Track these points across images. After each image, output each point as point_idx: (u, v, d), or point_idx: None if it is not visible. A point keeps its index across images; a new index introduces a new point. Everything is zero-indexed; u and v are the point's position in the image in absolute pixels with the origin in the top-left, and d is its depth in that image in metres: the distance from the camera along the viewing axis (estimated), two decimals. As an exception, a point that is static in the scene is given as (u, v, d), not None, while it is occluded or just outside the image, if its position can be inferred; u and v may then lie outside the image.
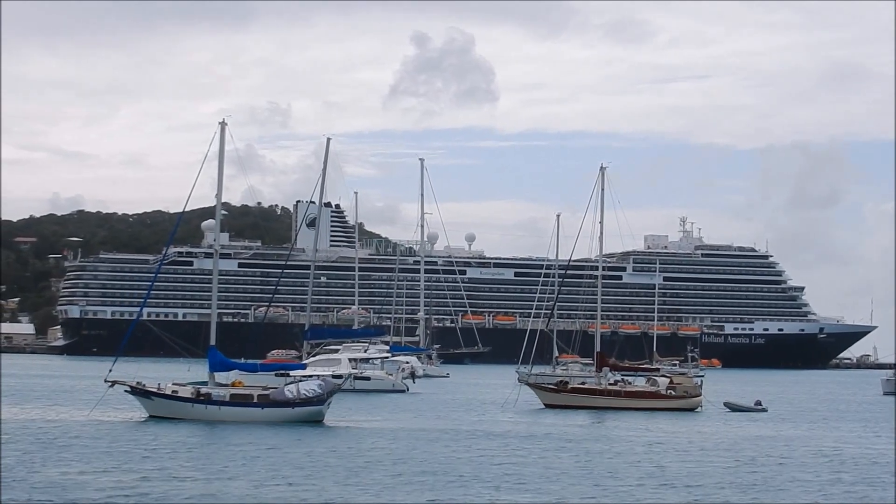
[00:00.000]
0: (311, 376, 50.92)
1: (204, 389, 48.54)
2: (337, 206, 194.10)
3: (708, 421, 57.61)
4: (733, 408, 66.89)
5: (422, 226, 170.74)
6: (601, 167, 69.72)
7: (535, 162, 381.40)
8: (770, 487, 32.26)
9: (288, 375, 51.61)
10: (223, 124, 51.44)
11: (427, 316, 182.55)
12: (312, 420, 47.70)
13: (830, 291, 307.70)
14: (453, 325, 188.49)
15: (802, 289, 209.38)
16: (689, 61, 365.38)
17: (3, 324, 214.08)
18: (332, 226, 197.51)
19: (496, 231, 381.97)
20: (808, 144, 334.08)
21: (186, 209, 58.21)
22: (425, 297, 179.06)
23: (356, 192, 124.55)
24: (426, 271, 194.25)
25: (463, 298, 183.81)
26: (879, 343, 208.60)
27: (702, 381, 69.21)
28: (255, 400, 47.95)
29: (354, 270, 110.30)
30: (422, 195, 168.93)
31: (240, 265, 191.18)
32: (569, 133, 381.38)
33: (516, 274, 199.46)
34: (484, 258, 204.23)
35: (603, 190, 68.95)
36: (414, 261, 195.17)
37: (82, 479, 29.93)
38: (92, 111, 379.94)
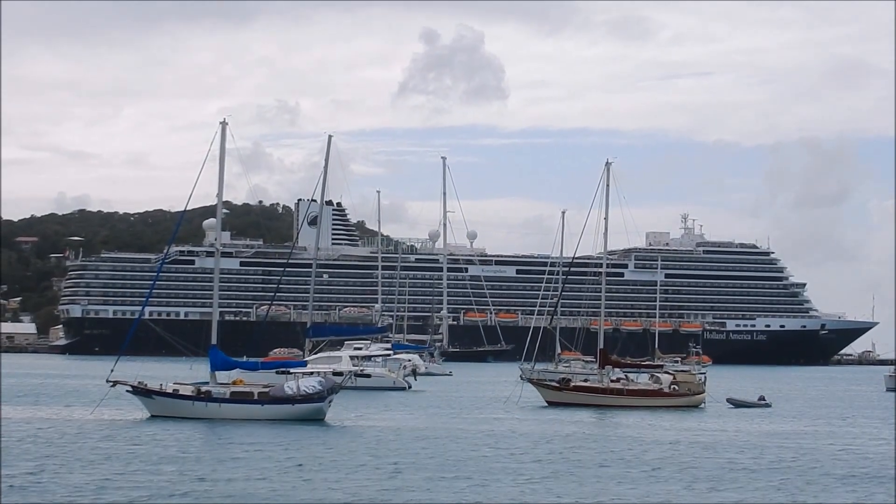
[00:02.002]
0: (311, 373, 50.78)
1: (205, 387, 48.46)
2: (338, 204, 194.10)
3: (717, 418, 57.22)
4: (737, 404, 66.70)
5: (444, 224, 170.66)
6: (607, 162, 69.46)
7: (539, 160, 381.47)
8: (808, 485, 32.19)
9: (289, 373, 51.42)
10: (224, 124, 51.40)
11: (450, 315, 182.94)
12: (313, 418, 47.54)
13: (837, 289, 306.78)
14: (455, 322, 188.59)
15: (804, 285, 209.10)
16: (693, 58, 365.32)
17: (4, 323, 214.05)
18: (333, 224, 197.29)
19: (502, 229, 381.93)
20: (816, 141, 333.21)
21: (188, 208, 58.00)
22: (428, 295, 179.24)
23: (378, 192, 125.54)
24: (428, 269, 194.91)
25: (465, 296, 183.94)
26: (878, 339, 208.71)
27: (705, 378, 68.94)
28: (256, 397, 47.87)
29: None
30: (444, 193, 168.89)
31: (241, 264, 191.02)
32: (572, 131, 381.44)
33: (518, 271, 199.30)
34: (486, 255, 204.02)
35: (608, 185, 68.75)
36: (416, 258, 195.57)
37: (109, 481, 29.44)
38: (95, 111, 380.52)
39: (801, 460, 38.27)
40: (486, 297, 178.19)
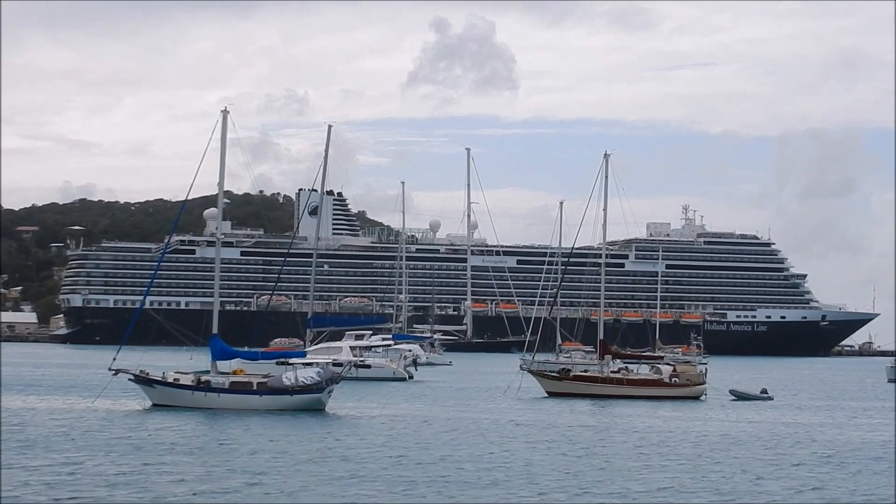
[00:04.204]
0: (310, 364, 50.73)
1: (204, 377, 48.50)
2: (339, 194, 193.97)
3: (726, 410, 56.95)
4: (739, 396, 66.51)
5: (468, 215, 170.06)
6: (605, 154, 69.55)
7: (542, 150, 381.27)
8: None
9: (288, 363, 51.40)
10: (225, 112, 51.25)
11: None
12: (312, 408, 47.53)
13: (838, 280, 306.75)
14: (455, 312, 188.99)
15: (805, 276, 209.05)
16: (695, 49, 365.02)
17: (5, 313, 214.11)
18: (334, 214, 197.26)
19: (505, 219, 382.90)
20: (823, 132, 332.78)
21: (189, 197, 57.78)
22: (429, 285, 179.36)
23: (403, 182, 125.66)
24: (428, 259, 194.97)
25: (465, 286, 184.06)
26: (878, 331, 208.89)
27: (706, 370, 68.85)
28: (255, 387, 47.90)
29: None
30: (468, 185, 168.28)
31: (242, 253, 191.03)
32: (574, 121, 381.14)
33: (519, 262, 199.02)
34: (486, 246, 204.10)
35: (607, 177, 68.81)
36: (416, 248, 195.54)
37: (154, 476, 28.83)
38: (96, 101, 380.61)
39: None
40: (483, 287, 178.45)
